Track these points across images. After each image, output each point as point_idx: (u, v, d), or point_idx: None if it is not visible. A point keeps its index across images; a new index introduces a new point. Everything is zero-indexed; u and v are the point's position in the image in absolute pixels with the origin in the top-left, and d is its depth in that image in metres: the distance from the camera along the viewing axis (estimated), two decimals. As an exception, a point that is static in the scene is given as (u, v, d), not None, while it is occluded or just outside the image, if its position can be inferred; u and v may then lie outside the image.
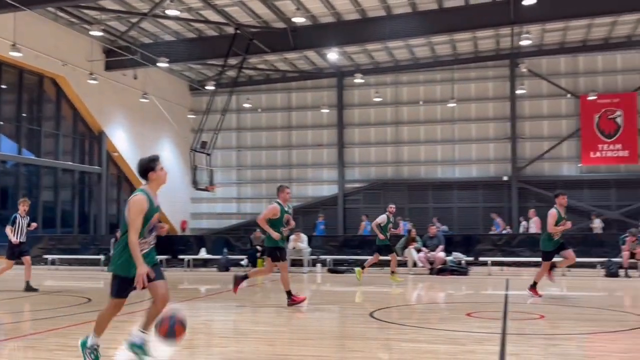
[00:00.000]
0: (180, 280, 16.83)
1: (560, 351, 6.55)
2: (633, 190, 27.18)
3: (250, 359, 6.01)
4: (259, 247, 19.83)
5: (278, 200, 10.26)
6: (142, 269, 5.17)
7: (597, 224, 22.14)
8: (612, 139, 27.49)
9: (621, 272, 16.45)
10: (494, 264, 18.19)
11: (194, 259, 20.57)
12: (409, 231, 19.30)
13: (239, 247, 20.98)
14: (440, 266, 17.19)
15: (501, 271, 17.90)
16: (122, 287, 5.46)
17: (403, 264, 18.42)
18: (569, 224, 11.02)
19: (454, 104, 28.84)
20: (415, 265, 17.74)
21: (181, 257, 20.60)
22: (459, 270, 17.05)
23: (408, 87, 30.07)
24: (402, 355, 6.49)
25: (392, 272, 14.44)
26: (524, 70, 27.56)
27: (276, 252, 10.14)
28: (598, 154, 27.69)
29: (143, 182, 5.61)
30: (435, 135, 29.66)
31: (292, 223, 10.45)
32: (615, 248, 17.22)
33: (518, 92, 28.05)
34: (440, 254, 17.58)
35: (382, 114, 30.38)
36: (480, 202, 28.72)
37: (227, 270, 19.40)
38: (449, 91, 29.23)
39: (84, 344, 5.65)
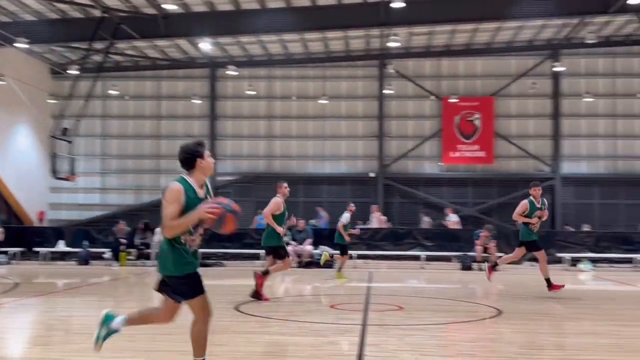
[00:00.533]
0: (36, 274, 15.93)
1: (415, 341, 6.87)
2: (488, 189, 29.00)
3: (107, 356, 5.78)
4: (122, 240, 19.16)
5: (278, 195, 10.12)
6: (199, 210, 4.67)
7: (453, 219, 23.27)
8: (470, 140, 29.14)
9: (475, 265, 17.56)
10: (360, 257, 18.78)
11: (52, 252, 19.54)
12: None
13: (100, 239, 20.23)
14: (308, 259, 17.49)
15: (365, 264, 18.51)
16: (175, 287, 5.01)
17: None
18: (545, 213, 10.81)
19: (326, 101, 29.36)
20: (283, 258, 17.89)
21: (37, 249, 19.50)
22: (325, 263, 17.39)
23: (281, 81, 30.21)
24: (266, 348, 6.52)
25: (340, 270, 14.71)
26: (392, 71, 28.54)
27: (280, 251, 10.07)
28: (457, 154, 29.25)
29: (185, 171, 4.88)
30: (306, 131, 30.02)
31: (293, 220, 10.39)
32: (469, 243, 18.34)
33: (386, 92, 29.01)
34: (308, 247, 17.89)
35: (255, 107, 30.30)
36: (349, 197, 29.34)
37: (87, 263, 18.59)
38: (320, 88, 29.70)
39: (108, 320, 5.14)
